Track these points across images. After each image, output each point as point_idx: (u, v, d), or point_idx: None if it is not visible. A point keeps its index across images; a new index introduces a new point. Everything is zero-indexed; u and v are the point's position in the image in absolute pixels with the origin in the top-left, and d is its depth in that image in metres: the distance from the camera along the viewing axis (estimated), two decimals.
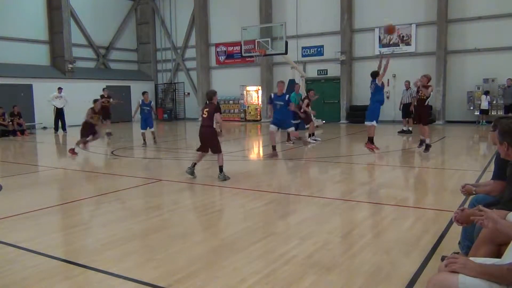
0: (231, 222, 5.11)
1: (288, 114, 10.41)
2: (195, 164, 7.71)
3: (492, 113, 17.11)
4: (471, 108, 17.92)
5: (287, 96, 10.21)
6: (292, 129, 10.52)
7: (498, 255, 2.48)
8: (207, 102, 7.82)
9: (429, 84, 10.07)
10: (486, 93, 17.05)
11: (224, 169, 7.51)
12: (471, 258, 2.29)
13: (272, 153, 10.15)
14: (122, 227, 4.90)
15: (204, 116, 7.56)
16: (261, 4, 22.24)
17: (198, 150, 7.81)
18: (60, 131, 18.47)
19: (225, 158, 10.74)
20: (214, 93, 7.89)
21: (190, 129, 15.49)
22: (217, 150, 7.60)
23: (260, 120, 23.20)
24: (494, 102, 17.32)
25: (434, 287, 2.16)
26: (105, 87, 17.43)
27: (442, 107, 18.46)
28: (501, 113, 16.75)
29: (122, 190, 6.95)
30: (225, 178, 7.42)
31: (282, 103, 9.94)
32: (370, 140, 9.96)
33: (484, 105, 17.02)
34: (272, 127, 10.37)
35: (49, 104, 18.46)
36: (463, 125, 17.53)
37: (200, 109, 6.94)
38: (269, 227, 4.84)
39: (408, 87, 14.90)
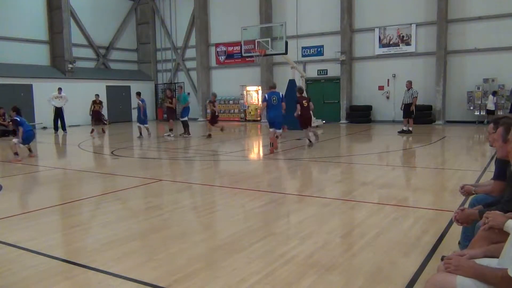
0: (231, 222, 5.11)
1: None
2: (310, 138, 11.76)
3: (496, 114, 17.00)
4: (471, 108, 17.91)
5: None
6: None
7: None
8: (299, 95, 11.92)
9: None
10: (494, 93, 16.87)
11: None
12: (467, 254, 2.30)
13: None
14: (122, 227, 4.90)
15: (305, 105, 11.56)
16: (261, 4, 22.24)
17: (302, 128, 11.95)
18: (60, 131, 18.47)
19: (224, 158, 10.77)
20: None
21: (190, 129, 15.52)
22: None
23: (260, 120, 23.20)
24: (502, 102, 17.17)
25: (433, 287, 2.16)
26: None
27: (442, 107, 18.45)
28: (501, 113, 16.72)
29: (122, 190, 6.95)
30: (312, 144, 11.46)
31: None
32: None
33: (491, 106, 16.79)
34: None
35: (49, 103, 18.47)
36: (463, 125, 17.53)
37: (304, 101, 11.75)
38: (269, 227, 4.84)
39: (409, 87, 14.85)
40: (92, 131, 17.37)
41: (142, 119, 15.82)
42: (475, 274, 2.05)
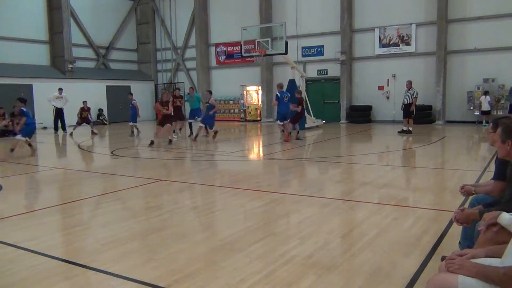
0: (231, 222, 5.11)
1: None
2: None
3: (493, 113, 16.98)
4: (471, 108, 17.90)
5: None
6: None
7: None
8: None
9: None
10: (486, 93, 16.87)
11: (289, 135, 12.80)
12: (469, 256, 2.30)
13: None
14: (122, 227, 4.90)
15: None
16: (261, 4, 22.24)
17: (293, 123, 13.42)
18: (60, 131, 18.47)
19: (224, 158, 10.77)
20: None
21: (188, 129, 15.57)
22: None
23: (260, 120, 23.21)
24: (501, 101, 17.12)
25: (434, 287, 2.16)
26: None
27: (442, 107, 18.44)
28: (501, 113, 16.71)
29: (122, 190, 6.95)
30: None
31: None
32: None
33: (485, 106, 16.75)
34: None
35: (49, 104, 18.47)
36: (463, 125, 17.53)
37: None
38: (269, 227, 4.83)
39: (409, 87, 14.82)
40: (71, 133, 17.15)
41: (135, 118, 16.36)
42: (478, 273, 2.06)
